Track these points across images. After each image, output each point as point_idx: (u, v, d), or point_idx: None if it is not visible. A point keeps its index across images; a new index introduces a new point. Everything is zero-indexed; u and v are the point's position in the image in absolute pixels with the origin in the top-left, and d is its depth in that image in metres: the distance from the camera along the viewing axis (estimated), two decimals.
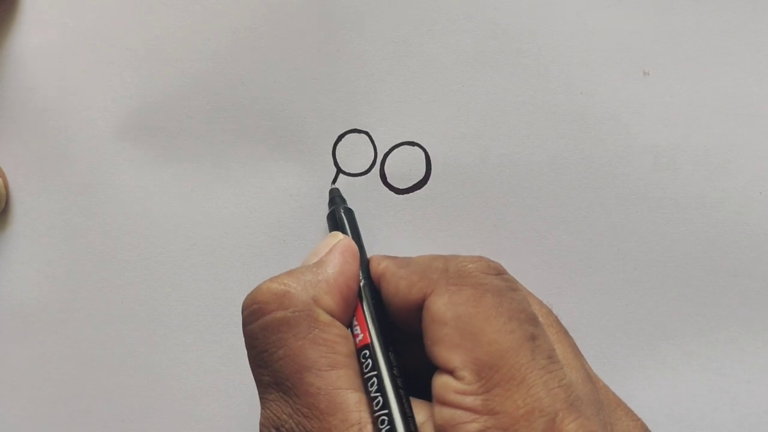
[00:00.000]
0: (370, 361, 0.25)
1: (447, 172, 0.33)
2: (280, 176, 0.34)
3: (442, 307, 0.24)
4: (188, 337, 0.35)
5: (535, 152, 0.33)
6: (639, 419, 0.25)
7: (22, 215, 0.36)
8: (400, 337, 0.26)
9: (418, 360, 0.25)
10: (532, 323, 0.24)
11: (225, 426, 0.34)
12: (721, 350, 0.32)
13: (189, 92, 0.35)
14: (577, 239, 0.33)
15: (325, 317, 0.25)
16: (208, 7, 0.34)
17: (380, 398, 0.24)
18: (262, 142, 0.34)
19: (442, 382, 0.23)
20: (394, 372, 0.25)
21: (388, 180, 0.34)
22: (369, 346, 0.25)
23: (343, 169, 0.34)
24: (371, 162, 0.34)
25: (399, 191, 0.34)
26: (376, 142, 0.34)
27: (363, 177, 0.34)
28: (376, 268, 0.27)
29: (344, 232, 0.30)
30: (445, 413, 0.22)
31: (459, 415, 0.22)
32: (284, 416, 0.24)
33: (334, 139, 0.34)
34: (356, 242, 0.29)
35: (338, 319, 0.26)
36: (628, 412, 0.25)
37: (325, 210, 0.33)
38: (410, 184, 0.33)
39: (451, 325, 0.23)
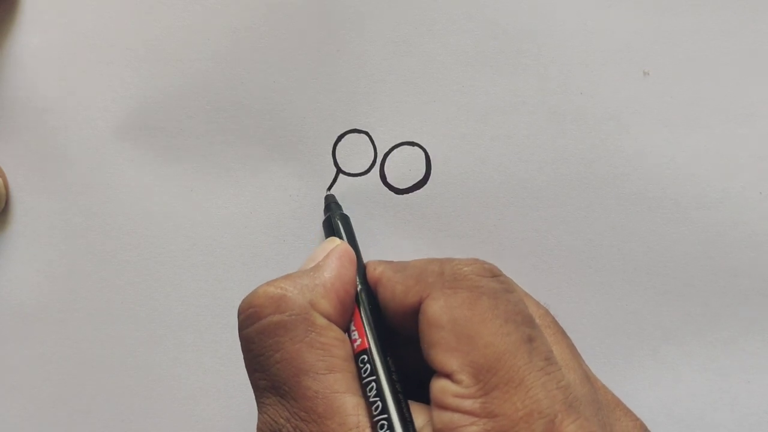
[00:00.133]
0: (368, 365, 0.25)
1: (447, 172, 0.33)
2: (280, 176, 0.34)
3: (438, 310, 0.24)
4: (188, 337, 0.35)
5: (535, 152, 0.33)
6: (638, 419, 0.25)
7: (22, 215, 0.36)
8: (398, 341, 0.26)
9: (417, 363, 0.25)
10: (529, 325, 0.24)
11: (225, 426, 0.34)
12: (721, 350, 0.32)
13: (189, 92, 0.35)
14: (577, 239, 0.33)
15: (321, 321, 0.25)
16: (208, 7, 0.34)
17: (379, 403, 0.24)
18: (262, 142, 0.34)
19: (440, 386, 0.23)
20: (393, 377, 0.25)
21: (388, 180, 0.34)
22: (367, 351, 0.25)
23: (343, 169, 0.34)
24: (371, 162, 0.34)
25: (399, 191, 0.34)
26: (376, 142, 0.34)
27: (363, 177, 0.34)
28: (372, 273, 0.27)
29: (340, 238, 0.30)
30: (443, 417, 0.22)
31: (458, 418, 0.22)
32: (282, 420, 0.24)
33: (334, 139, 0.34)
34: (353, 248, 0.29)
35: (335, 324, 0.26)
36: (627, 412, 0.25)
37: None
38: (410, 184, 0.33)
39: (448, 328, 0.23)
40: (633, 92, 0.33)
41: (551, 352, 0.23)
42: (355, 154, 0.34)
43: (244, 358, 0.26)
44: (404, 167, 0.34)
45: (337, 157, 0.34)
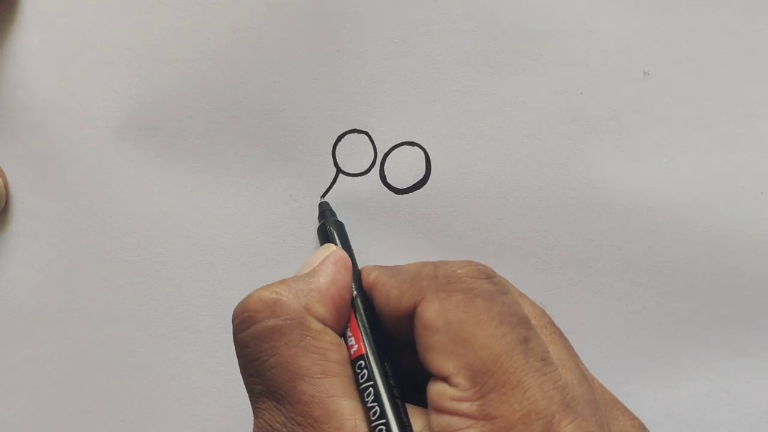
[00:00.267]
0: (365, 371, 0.25)
1: (447, 172, 0.33)
2: (280, 176, 0.34)
3: (433, 314, 0.24)
4: (188, 337, 0.35)
5: (535, 152, 0.33)
6: (636, 418, 0.25)
7: (22, 215, 0.36)
8: (395, 345, 0.26)
9: (414, 367, 0.25)
10: (524, 326, 0.23)
11: (225, 426, 0.34)
12: (721, 350, 0.32)
13: (189, 92, 0.35)
14: (577, 239, 0.33)
15: (316, 325, 0.25)
16: (208, 7, 0.34)
17: (377, 408, 0.23)
18: (262, 142, 0.34)
19: (437, 390, 0.23)
20: (390, 381, 0.24)
21: (387, 180, 0.34)
22: (364, 357, 0.25)
23: (343, 169, 0.34)
24: (371, 162, 0.34)
25: (399, 191, 0.34)
26: (375, 142, 0.34)
27: (363, 177, 0.34)
28: (367, 278, 0.27)
29: (335, 245, 0.30)
30: (441, 421, 0.22)
31: (456, 421, 0.22)
32: (278, 425, 0.24)
33: (334, 140, 0.34)
34: (348, 254, 0.29)
35: (331, 329, 0.26)
36: (625, 411, 0.25)
37: None
38: (410, 184, 0.33)
39: (443, 331, 0.23)
40: (633, 92, 0.33)
41: (547, 353, 0.23)
42: (355, 154, 0.34)
43: (239, 363, 0.26)
44: (404, 167, 0.34)
45: (337, 157, 0.34)
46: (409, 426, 0.23)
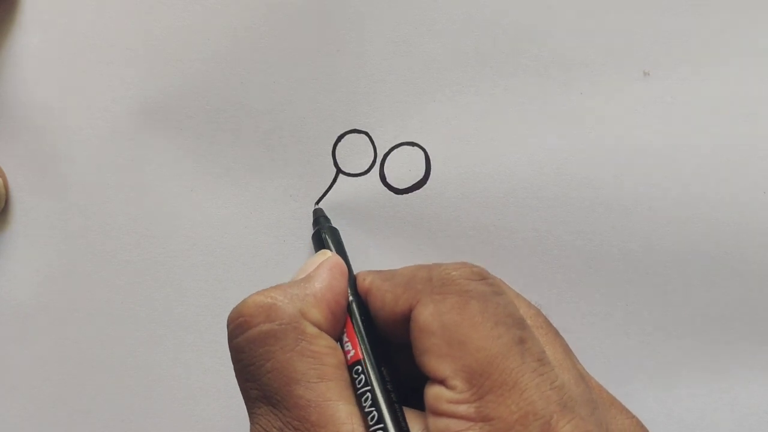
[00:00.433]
0: (362, 376, 0.25)
1: (447, 172, 0.33)
2: (280, 176, 0.34)
3: (428, 317, 0.24)
4: (188, 337, 0.35)
5: (535, 152, 0.33)
6: (634, 416, 0.25)
7: (22, 215, 0.36)
8: (391, 349, 0.26)
9: (411, 371, 0.25)
10: (520, 326, 0.23)
11: (225, 426, 0.34)
12: (721, 350, 0.32)
13: (189, 92, 0.35)
14: (577, 239, 0.33)
15: (312, 329, 0.25)
16: (208, 7, 0.34)
17: (375, 413, 0.23)
18: (262, 142, 0.34)
19: (434, 393, 0.23)
20: (387, 386, 0.24)
21: (387, 180, 0.34)
22: (361, 362, 0.25)
23: (343, 169, 0.34)
24: (371, 162, 0.34)
25: (399, 191, 0.34)
26: (375, 143, 0.34)
27: (363, 177, 0.34)
28: (362, 283, 0.27)
29: (330, 251, 0.30)
30: (439, 423, 0.22)
31: (453, 424, 0.22)
32: (274, 430, 0.24)
33: (334, 140, 0.34)
34: (343, 260, 0.29)
35: (327, 333, 0.25)
36: (623, 409, 0.25)
37: (325, 210, 0.34)
38: (410, 185, 0.33)
39: (438, 334, 0.23)
40: (633, 92, 0.33)
41: (544, 353, 0.23)
42: (355, 154, 0.34)
43: (235, 369, 0.25)
44: (404, 167, 0.34)
45: (337, 158, 0.34)
46: (407, 430, 0.23)
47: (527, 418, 0.21)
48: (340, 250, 0.31)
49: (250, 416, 0.25)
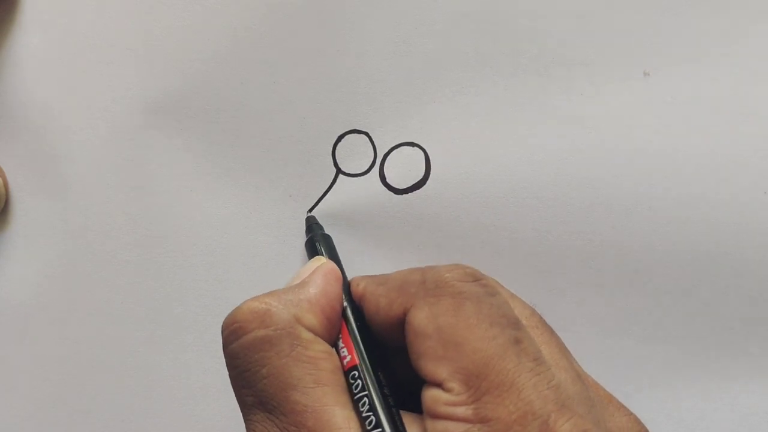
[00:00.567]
0: (359, 381, 0.25)
1: (447, 172, 0.33)
2: (280, 176, 0.34)
3: (423, 320, 0.24)
4: (188, 337, 0.35)
5: (535, 152, 0.33)
6: (631, 413, 0.25)
7: (22, 215, 0.36)
8: (388, 353, 0.26)
9: (407, 374, 0.25)
10: (515, 327, 0.23)
11: (225, 426, 0.34)
12: (721, 350, 0.32)
13: (189, 92, 0.35)
14: (577, 239, 0.33)
15: (307, 335, 0.25)
16: (208, 7, 0.34)
17: (372, 417, 0.23)
18: (262, 142, 0.34)
19: (431, 395, 0.23)
20: (384, 390, 0.24)
21: (387, 180, 0.34)
22: (357, 367, 0.25)
23: (343, 169, 0.34)
24: (371, 162, 0.34)
25: (398, 191, 0.34)
26: (375, 143, 0.34)
27: (363, 177, 0.34)
28: (356, 288, 0.27)
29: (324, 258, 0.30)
30: (437, 426, 0.22)
31: (451, 426, 0.22)
32: None
33: (334, 140, 0.34)
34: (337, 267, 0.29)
35: (322, 339, 0.25)
36: (620, 407, 0.25)
37: (324, 211, 0.34)
38: (410, 185, 0.33)
39: (434, 337, 0.23)
40: (633, 92, 0.33)
41: (540, 353, 0.23)
42: (355, 154, 0.34)
43: (230, 375, 0.25)
44: (404, 168, 0.34)
45: (336, 158, 0.34)
46: None
47: (525, 418, 0.21)
48: (334, 257, 0.31)
49: (245, 423, 0.25)
